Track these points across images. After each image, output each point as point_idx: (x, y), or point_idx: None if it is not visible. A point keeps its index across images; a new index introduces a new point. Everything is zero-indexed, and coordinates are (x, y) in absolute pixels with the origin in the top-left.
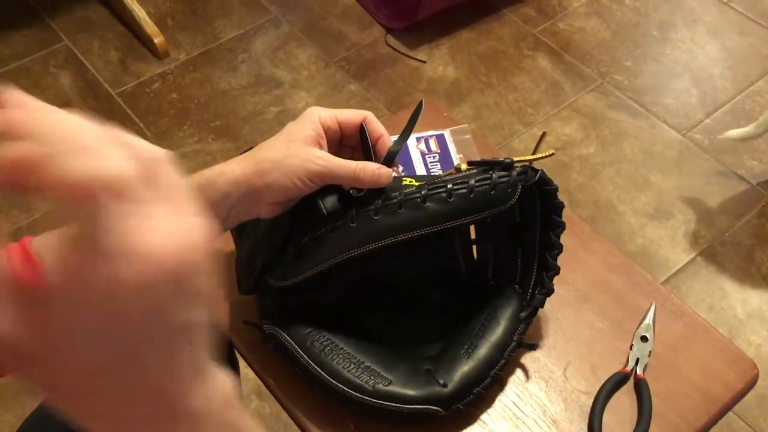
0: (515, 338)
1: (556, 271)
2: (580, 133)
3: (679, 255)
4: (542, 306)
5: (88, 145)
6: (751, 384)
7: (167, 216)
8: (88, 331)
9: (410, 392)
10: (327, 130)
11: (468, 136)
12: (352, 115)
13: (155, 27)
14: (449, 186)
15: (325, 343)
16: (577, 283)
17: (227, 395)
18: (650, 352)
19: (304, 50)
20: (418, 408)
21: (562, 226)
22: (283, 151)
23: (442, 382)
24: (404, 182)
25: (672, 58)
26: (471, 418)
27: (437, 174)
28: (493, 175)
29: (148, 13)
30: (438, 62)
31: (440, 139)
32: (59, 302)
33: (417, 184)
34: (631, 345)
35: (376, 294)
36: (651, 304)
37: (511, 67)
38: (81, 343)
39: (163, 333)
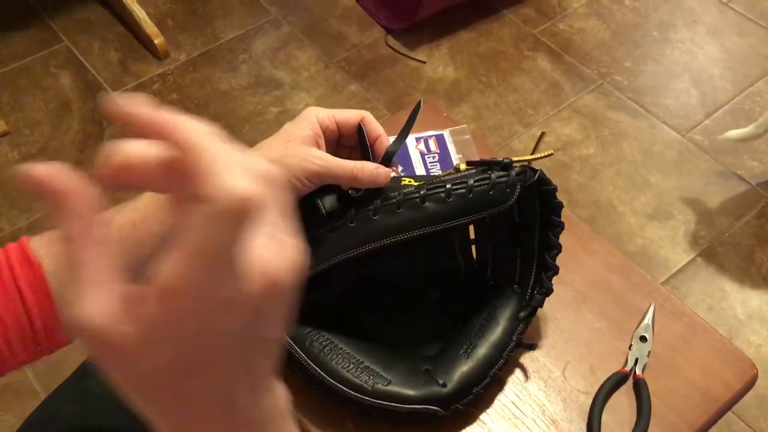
0: (514, 338)
1: (555, 271)
2: (579, 134)
3: (679, 255)
4: (541, 306)
5: (240, 161)
6: (751, 384)
7: (280, 237)
8: (190, 335)
9: (409, 392)
10: (325, 130)
11: (467, 137)
12: (350, 115)
13: (155, 28)
14: (448, 186)
15: (324, 342)
16: (576, 283)
17: (286, 407)
18: (649, 352)
19: (305, 51)
20: (418, 408)
21: (561, 226)
22: (280, 151)
23: (441, 382)
24: (403, 182)
25: (672, 59)
26: (470, 418)
27: (436, 174)
28: (492, 175)
29: (148, 14)
30: (438, 63)
31: (440, 140)
32: (172, 304)
33: (416, 184)
34: (630, 345)
35: (376, 294)
36: (650, 305)
37: (511, 67)
38: (177, 345)
39: (252, 345)
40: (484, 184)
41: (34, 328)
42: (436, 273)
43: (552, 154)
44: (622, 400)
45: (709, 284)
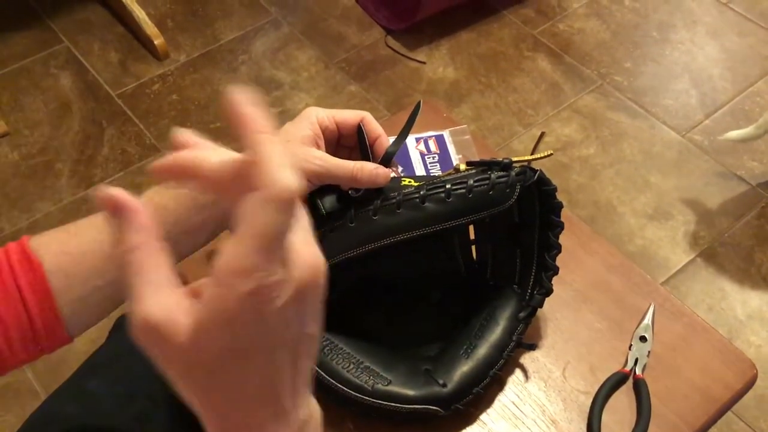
0: (514, 338)
1: (555, 271)
2: (579, 134)
3: (679, 256)
4: (541, 306)
5: (289, 160)
6: (750, 384)
7: (309, 235)
8: (243, 319)
9: (409, 392)
10: (324, 130)
11: (467, 137)
12: (349, 116)
13: (155, 28)
14: (448, 186)
15: (324, 343)
16: (576, 283)
17: (319, 419)
18: (649, 352)
19: (304, 52)
20: (418, 408)
21: (560, 227)
22: None
23: (441, 382)
24: (403, 182)
25: (671, 59)
26: (470, 418)
27: (436, 174)
28: (492, 176)
29: (148, 15)
30: (438, 63)
31: (439, 140)
32: (232, 282)
33: (416, 184)
34: (630, 345)
35: (376, 294)
36: (650, 305)
37: (510, 68)
38: (231, 330)
39: (295, 337)
40: (483, 185)
41: (34, 328)
42: (436, 273)
43: (552, 154)
44: (622, 400)
45: (709, 284)
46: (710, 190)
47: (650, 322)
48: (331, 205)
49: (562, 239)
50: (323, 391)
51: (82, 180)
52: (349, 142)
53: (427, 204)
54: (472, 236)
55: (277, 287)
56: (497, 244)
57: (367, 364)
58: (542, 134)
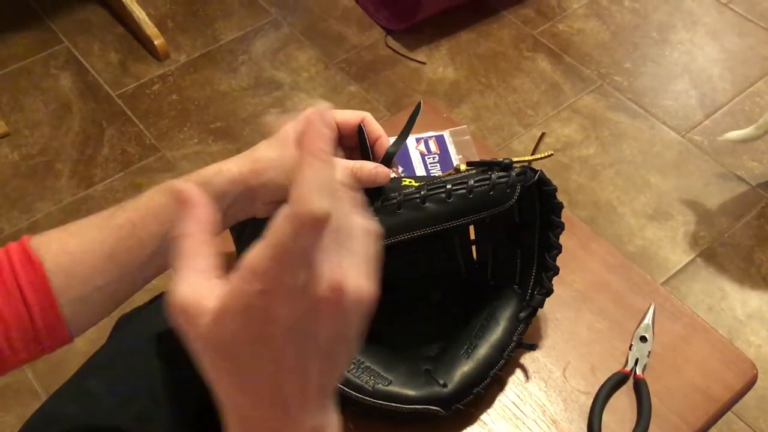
0: (515, 338)
1: (556, 271)
2: (579, 134)
3: (679, 256)
4: (542, 306)
5: (329, 186)
6: (750, 384)
7: (360, 267)
8: (257, 311)
9: (410, 392)
10: None
11: (467, 137)
12: (350, 116)
13: (155, 29)
14: (448, 186)
15: None
16: (577, 283)
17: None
18: (649, 352)
19: (304, 52)
20: (418, 408)
21: (561, 227)
22: (279, 151)
23: (441, 382)
24: (404, 183)
25: (671, 60)
26: (471, 418)
27: (437, 175)
28: (492, 176)
29: (149, 15)
30: (438, 64)
31: (440, 140)
32: (251, 279)
33: (416, 184)
34: (631, 345)
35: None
36: (650, 305)
37: (510, 68)
38: (247, 318)
39: (305, 344)
40: (484, 185)
41: (35, 327)
42: (437, 273)
43: (552, 154)
44: (623, 400)
45: (708, 284)
46: (710, 190)
47: (650, 322)
48: None
49: (563, 239)
50: None
51: (82, 180)
52: (349, 143)
53: (427, 204)
54: (472, 236)
55: (287, 295)
56: (498, 244)
57: (368, 364)
58: (542, 135)
